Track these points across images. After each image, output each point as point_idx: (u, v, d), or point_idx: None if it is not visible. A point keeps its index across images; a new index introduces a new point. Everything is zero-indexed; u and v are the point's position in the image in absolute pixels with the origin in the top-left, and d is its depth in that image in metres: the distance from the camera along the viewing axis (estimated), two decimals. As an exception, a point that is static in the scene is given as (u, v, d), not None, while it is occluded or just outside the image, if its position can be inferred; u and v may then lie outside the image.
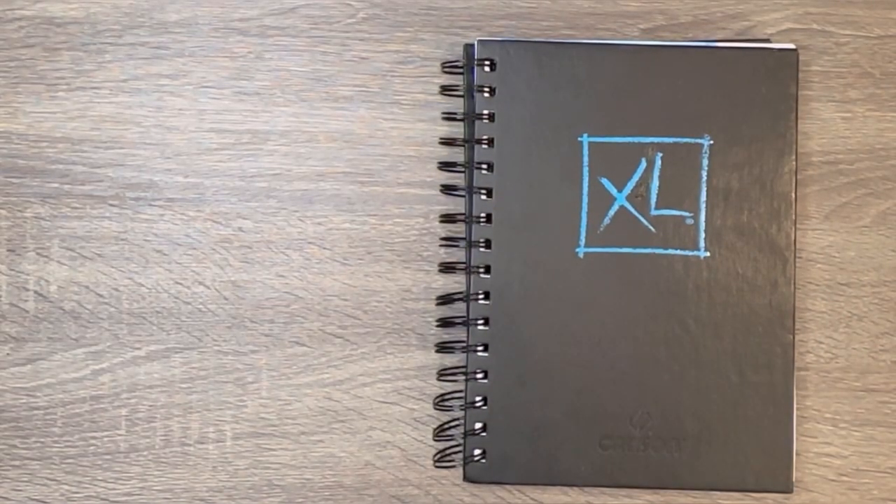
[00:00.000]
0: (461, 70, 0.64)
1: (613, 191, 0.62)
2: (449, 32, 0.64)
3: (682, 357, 0.62)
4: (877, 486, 0.63)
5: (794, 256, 0.62)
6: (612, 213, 0.62)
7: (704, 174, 0.62)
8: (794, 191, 0.63)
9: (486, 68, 0.63)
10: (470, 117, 0.63)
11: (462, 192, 0.63)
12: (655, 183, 0.63)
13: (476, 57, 0.63)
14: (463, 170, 0.63)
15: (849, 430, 0.63)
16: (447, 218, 0.63)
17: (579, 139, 0.63)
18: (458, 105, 0.64)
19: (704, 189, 0.62)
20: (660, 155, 0.63)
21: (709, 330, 0.62)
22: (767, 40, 0.64)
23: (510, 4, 0.64)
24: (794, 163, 0.63)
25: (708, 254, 0.62)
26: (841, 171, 0.64)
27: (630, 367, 0.62)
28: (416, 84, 0.64)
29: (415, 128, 0.64)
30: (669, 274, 0.62)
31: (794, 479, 0.62)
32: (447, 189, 0.63)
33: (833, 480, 0.63)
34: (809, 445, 0.63)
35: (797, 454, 0.62)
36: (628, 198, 0.62)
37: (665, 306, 0.62)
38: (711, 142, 0.63)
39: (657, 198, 0.63)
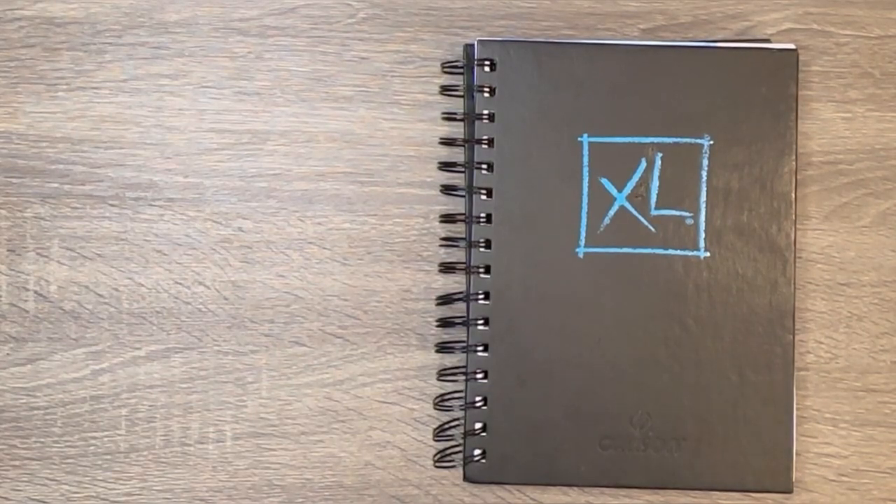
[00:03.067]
0: (461, 70, 0.64)
1: (613, 191, 0.62)
2: (449, 32, 0.64)
3: (682, 357, 0.62)
4: (877, 486, 0.63)
5: (794, 256, 0.62)
6: (612, 213, 0.62)
7: (704, 174, 0.62)
8: (794, 191, 0.63)
9: (486, 68, 0.63)
10: (470, 117, 0.63)
11: (462, 193, 0.63)
12: (655, 183, 0.63)
13: (476, 57, 0.63)
14: (463, 170, 0.63)
15: (849, 430, 0.63)
16: (447, 218, 0.63)
17: (579, 139, 0.63)
18: (458, 105, 0.64)
19: (704, 189, 0.62)
20: (660, 155, 0.63)
21: (709, 330, 0.62)
22: (767, 40, 0.64)
23: (510, 4, 0.64)
24: (794, 163, 0.63)
25: (708, 254, 0.62)
26: (841, 171, 0.64)
27: (630, 367, 0.62)
28: (416, 84, 0.64)
29: (415, 128, 0.64)
30: (669, 274, 0.62)
31: (794, 479, 0.62)
32: (447, 189, 0.63)
33: (833, 480, 0.63)
34: (809, 445, 0.63)
35: (797, 454, 0.62)
36: (628, 198, 0.62)
37: (665, 306, 0.62)
38: (711, 142, 0.63)
39: (657, 198, 0.63)
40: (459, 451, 0.62)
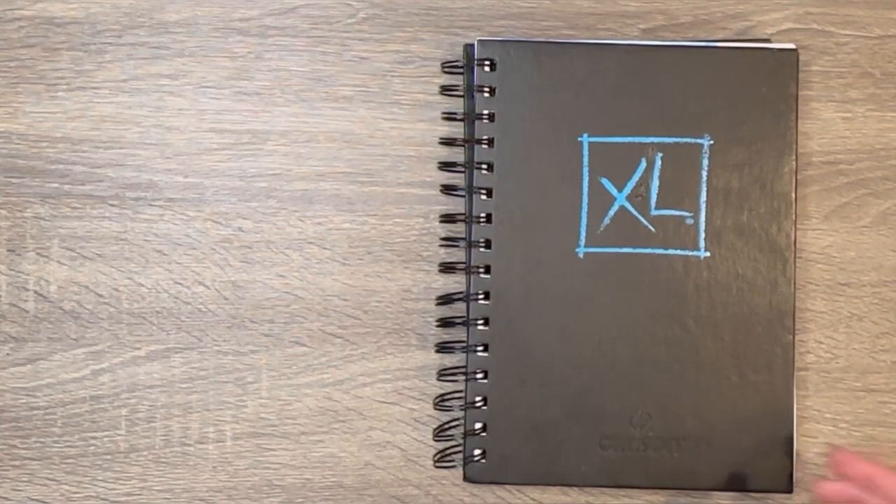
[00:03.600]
0: (461, 70, 0.64)
1: (613, 191, 0.62)
2: (449, 32, 0.64)
3: (681, 357, 0.62)
4: (877, 486, 0.63)
5: (794, 256, 0.62)
6: (612, 213, 0.62)
7: (705, 174, 0.62)
8: (794, 191, 0.63)
9: (487, 68, 0.63)
10: (470, 117, 0.63)
11: (462, 192, 0.63)
12: (655, 183, 0.63)
13: (476, 57, 0.63)
14: (463, 170, 0.63)
15: (849, 430, 0.63)
16: (447, 218, 0.63)
17: (579, 139, 0.63)
18: (458, 105, 0.64)
19: (704, 189, 0.62)
20: (660, 155, 0.63)
21: (709, 330, 0.62)
22: (768, 40, 0.64)
23: (510, 4, 0.64)
24: (794, 163, 0.63)
25: (708, 254, 0.62)
26: (841, 171, 0.64)
27: (630, 367, 0.62)
28: (416, 84, 0.64)
29: (415, 128, 0.64)
30: (669, 274, 0.62)
31: (794, 480, 0.62)
32: (447, 189, 0.63)
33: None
34: (809, 445, 0.63)
35: (797, 454, 0.62)
36: (628, 198, 0.62)
37: (665, 306, 0.62)
38: (712, 142, 0.62)
39: (657, 198, 0.63)
40: (459, 451, 0.62)
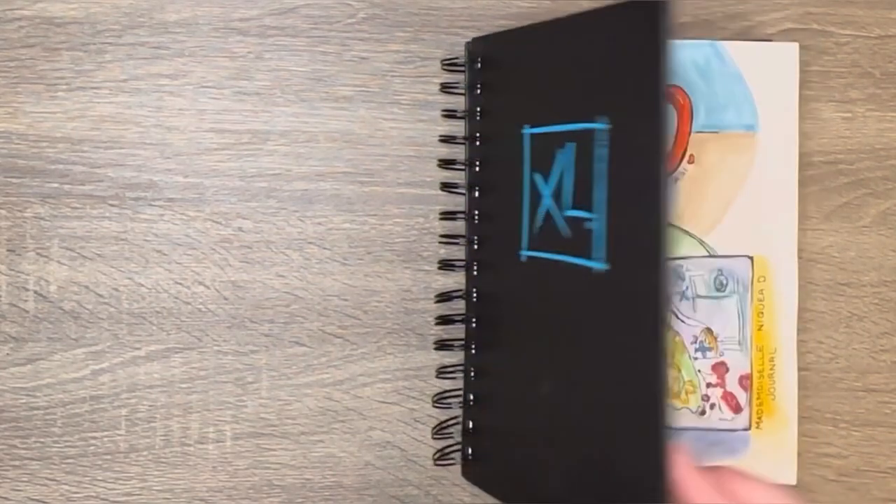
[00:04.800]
0: (461, 68, 0.64)
1: (543, 188, 0.55)
2: (449, 32, 0.64)
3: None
4: (877, 486, 0.63)
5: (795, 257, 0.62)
6: (541, 212, 0.55)
7: (606, 167, 0.50)
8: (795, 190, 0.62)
9: (478, 65, 0.62)
10: (467, 115, 0.63)
11: (461, 190, 0.63)
12: (570, 179, 0.53)
13: (468, 54, 0.63)
14: (463, 167, 0.63)
15: (849, 430, 0.63)
16: (446, 215, 0.63)
17: (522, 132, 0.58)
18: (459, 103, 0.64)
19: (605, 186, 0.50)
20: (573, 145, 0.52)
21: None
22: (769, 41, 0.64)
23: (510, 4, 0.64)
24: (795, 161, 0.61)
25: (608, 266, 0.50)
26: (841, 171, 0.64)
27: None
28: (416, 84, 0.64)
29: (415, 127, 0.64)
30: (572, 287, 0.52)
31: (794, 480, 0.61)
32: (446, 186, 0.63)
33: (833, 480, 0.63)
34: (809, 445, 0.63)
35: (797, 454, 0.62)
36: (552, 196, 0.54)
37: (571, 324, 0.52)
38: (609, 126, 0.50)
39: (572, 197, 0.53)
40: (458, 450, 0.62)
